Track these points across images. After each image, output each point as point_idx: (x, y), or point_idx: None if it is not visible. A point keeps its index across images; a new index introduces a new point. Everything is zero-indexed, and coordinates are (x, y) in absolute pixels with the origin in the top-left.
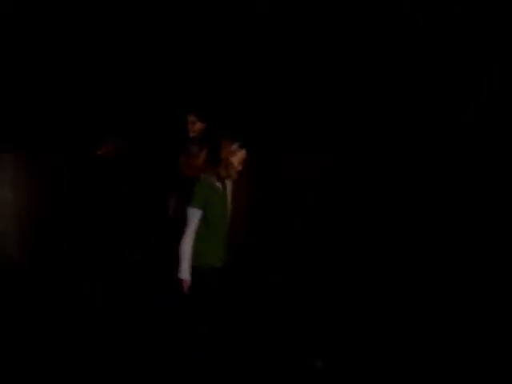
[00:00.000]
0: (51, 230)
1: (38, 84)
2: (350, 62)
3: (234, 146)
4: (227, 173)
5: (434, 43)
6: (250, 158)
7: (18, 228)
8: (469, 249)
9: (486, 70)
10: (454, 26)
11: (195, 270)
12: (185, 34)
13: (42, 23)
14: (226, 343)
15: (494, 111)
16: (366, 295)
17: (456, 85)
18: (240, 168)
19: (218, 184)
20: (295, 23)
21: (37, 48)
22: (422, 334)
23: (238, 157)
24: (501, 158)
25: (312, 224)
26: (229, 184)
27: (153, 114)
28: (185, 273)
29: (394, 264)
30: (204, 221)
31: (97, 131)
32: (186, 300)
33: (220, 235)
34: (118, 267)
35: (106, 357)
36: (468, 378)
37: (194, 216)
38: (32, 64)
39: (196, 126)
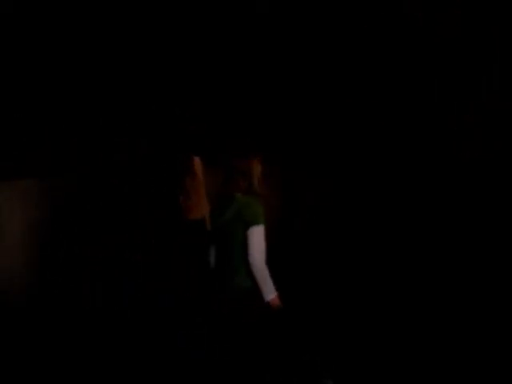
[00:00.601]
0: (51, 230)
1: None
2: (350, 61)
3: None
4: (262, 188)
5: (434, 43)
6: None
7: (17, 227)
8: (469, 248)
9: (486, 70)
10: (454, 26)
11: (249, 291)
12: (186, 36)
13: (42, 23)
14: (226, 343)
15: (494, 111)
16: (366, 296)
17: (456, 85)
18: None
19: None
20: (295, 23)
21: (37, 50)
22: (421, 334)
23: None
24: (501, 157)
25: (312, 224)
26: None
27: (155, 119)
28: (273, 290)
29: (395, 264)
30: None
31: (97, 133)
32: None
33: None
34: (117, 267)
35: (106, 357)
36: (468, 378)
37: (263, 233)
38: (33, 72)
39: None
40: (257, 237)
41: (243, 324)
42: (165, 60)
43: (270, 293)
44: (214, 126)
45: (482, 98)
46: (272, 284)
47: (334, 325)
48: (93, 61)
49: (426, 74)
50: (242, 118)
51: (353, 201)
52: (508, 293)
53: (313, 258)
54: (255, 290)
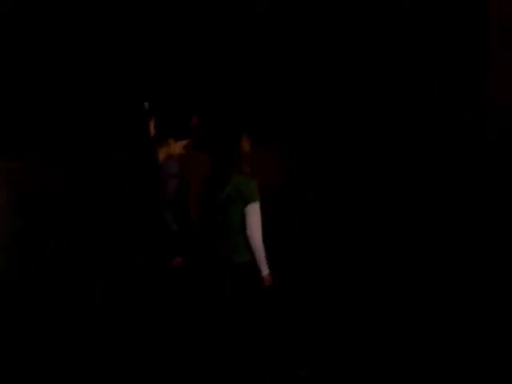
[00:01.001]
0: (52, 230)
1: (37, 86)
2: (350, 61)
3: (247, 140)
4: (248, 168)
5: (434, 43)
6: None
7: (18, 228)
8: (469, 247)
9: (486, 70)
10: (454, 26)
11: (249, 264)
12: (187, 34)
13: (42, 23)
14: (226, 343)
15: (494, 111)
16: (366, 295)
17: (456, 85)
18: None
19: None
20: (295, 23)
21: (37, 49)
22: (420, 333)
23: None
24: (501, 157)
25: (312, 224)
26: None
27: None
28: (266, 267)
29: (395, 264)
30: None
31: (97, 133)
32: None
33: None
34: (118, 267)
35: (106, 357)
36: (468, 378)
37: (258, 210)
38: (33, 66)
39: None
40: (255, 213)
41: (243, 323)
42: (164, 60)
43: (265, 269)
44: (214, 124)
45: (482, 98)
46: (265, 261)
47: (334, 323)
48: (93, 61)
49: (426, 74)
50: (244, 118)
51: (352, 201)
52: (508, 291)
53: (313, 257)
54: (253, 263)
